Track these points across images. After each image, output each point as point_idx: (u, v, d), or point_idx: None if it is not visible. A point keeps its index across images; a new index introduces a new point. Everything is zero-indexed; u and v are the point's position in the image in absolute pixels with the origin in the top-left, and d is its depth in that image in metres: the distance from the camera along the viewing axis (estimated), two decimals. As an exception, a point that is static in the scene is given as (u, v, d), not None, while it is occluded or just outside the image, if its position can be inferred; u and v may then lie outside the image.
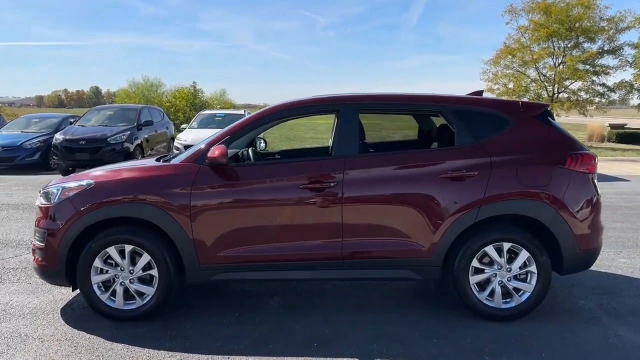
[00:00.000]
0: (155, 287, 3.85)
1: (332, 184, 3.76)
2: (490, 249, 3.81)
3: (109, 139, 12.39)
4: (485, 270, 3.85)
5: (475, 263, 3.82)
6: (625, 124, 30.54)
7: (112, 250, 3.82)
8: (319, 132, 27.86)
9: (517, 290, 3.85)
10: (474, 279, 3.84)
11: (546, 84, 25.39)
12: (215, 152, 3.73)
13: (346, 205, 3.76)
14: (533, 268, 3.82)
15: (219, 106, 32.17)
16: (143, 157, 12.81)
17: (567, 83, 25.02)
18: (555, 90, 25.11)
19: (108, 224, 3.86)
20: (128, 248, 3.82)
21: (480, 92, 4.63)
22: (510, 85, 26.04)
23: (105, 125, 13.35)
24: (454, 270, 3.82)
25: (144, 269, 3.85)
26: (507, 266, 3.82)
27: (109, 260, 3.87)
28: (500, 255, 3.82)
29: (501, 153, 3.82)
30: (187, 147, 10.82)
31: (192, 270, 3.85)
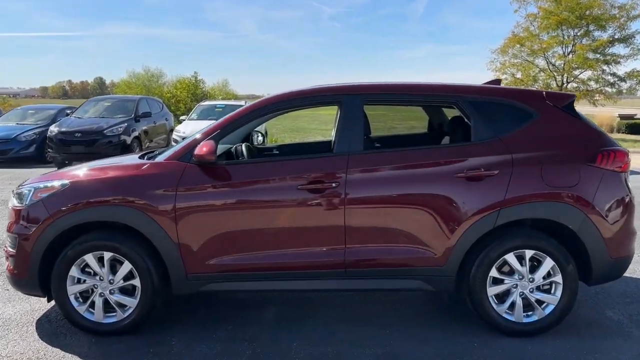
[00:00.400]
0: (138, 298, 3.47)
1: (333, 185, 3.35)
2: (511, 257, 3.41)
3: (105, 131, 12.01)
4: (505, 281, 3.44)
5: (494, 272, 3.42)
6: (635, 115, 29.91)
7: (89, 258, 3.44)
8: (323, 122, 27.39)
9: (540, 302, 3.45)
10: (492, 290, 3.43)
11: (555, 74, 24.81)
12: (202, 149, 3.33)
13: (349, 208, 3.36)
14: (558, 278, 3.42)
15: (220, 97, 31.72)
16: (140, 149, 12.44)
17: (576, 72, 24.45)
18: (565, 79, 24.53)
19: (86, 228, 3.48)
20: (107, 255, 3.44)
21: (497, 82, 4.21)
22: (519, 75, 25.51)
23: (102, 117, 12.96)
24: (469, 280, 3.43)
25: (125, 278, 3.47)
26: (530, 276, 3.42)
27: (86, 269, 3.49)
28: (522, 264, 3.42)
29: (524, 149, 3.41)
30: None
31: (178, 280, 3.47)
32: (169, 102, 27.25)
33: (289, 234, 3.42)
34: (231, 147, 4.28)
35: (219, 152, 3.83)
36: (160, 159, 3.60)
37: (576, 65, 23.75)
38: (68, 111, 14.31)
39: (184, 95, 30.54)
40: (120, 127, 12.31)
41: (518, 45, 25.12)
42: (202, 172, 3.42)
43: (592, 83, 24.35)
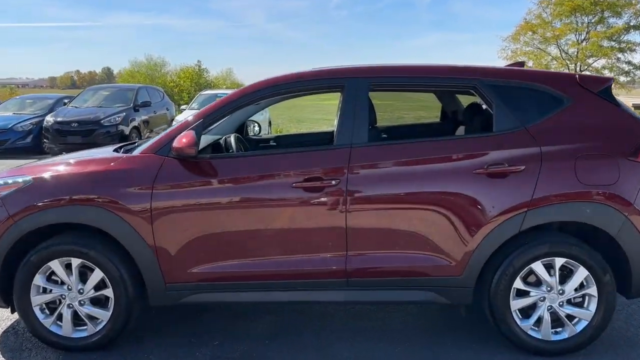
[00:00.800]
0: (111, 310, 3.05)
1: (333, 182, 2.90)
2: (538, 266, 2.95)
3: (102, 121, 11.61)
4: (531, 293, 2.99)
5: (518, 284, 2.96)
6: (650, 104, 29.12)
7: (55, 265, 3.02)
8: (328, 112, 26.79)
9: (570, 317, 3.00)
10: (516, 304, 2.98)
11: (568, 62, 24.16)
12: (181, 140, 2.89)
13: (352, 209, 2.91)
14: (592, 290, 2.96)
15: (225, 86, 31.23)
16: (140, 139, 12.04)
17: (590, 61, 23.77)
18: (578, 68, 23.84)
19: (54, 230, 3.07)
20: (75, 262, 3.02)
21: (521, 64, 3.74)
22: (530, 64, 24.81)
23: (100, 107, 12.55)
24: (490, 292, 2.97)
25: (97, 287, 3.06)
26: (559, 287, 2.96)
27: (53, 277, 3.08)
28: (551, 274, 2.96)
29: (554, 141, 2.93)
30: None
31: (156, 290, 3.04)
32: (172, 92, 26.82)
33: (282, 239, 2.98)
34: (220, 139, 3.83)
35: (204, 143, 3.41)
36: (136, 152, 3.16)
37: (590, 53, 23.10)
38: (66, 100, 13.90)
39: (188, 84, 30.07)
40: (118, 117, 11.91)
41: (530, 33, 24.48)
42: (183, 167, 2.98)
43: (606, 72, 23.64)
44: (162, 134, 3.18)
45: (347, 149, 2.96)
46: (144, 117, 12.82)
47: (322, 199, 2.92)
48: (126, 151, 3.35)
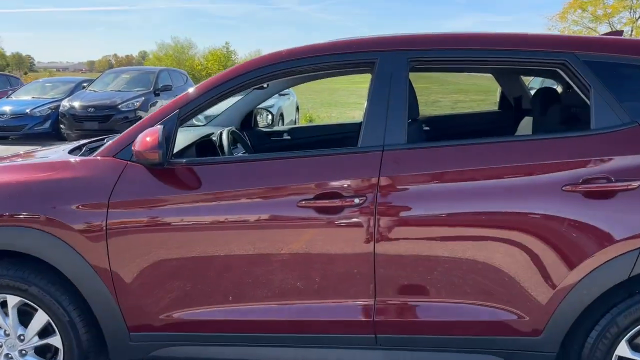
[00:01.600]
0: (60, 364, 2.30)
1: (356, 200, 2.04)
2: (654, 326, 2.03)
3: (119, 106, 10.98)
4: (642, 363, 2.07)
5: (623, 350, 2.05)
6: None
7: (-14, 303, 2.29)
8: (362, 96, 25.56)
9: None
10: (619, 379, 2.08)
11: (621, 42, 22.30)
12: (145, 140, 2.06)
13: (383, 238, 2.05)
14: None
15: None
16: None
17: (646, 40, 21.88)
18: (632, 48, 22.01)
19: None
20: (12, 300, 2.27)
21: (619, 32, 2.75)
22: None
23: (119, 91, 11.94)
24: (581, 360, 2.08)
25: (42, 334, 2.30)
26: (679, 356, 2.04)
27: (-14, 318, 2.34)
28: (671, 337, 2.04)
29: (686, 145, 1.99)
30: (206, 117, 9.22)
31: (116, 340, 2.27)
32: (200, 75, 26.23)
33: (283, 278, 2.15)
34: (212, 134, 3.00)
35: (187, 141, 2.60)
36: (95, 154, 2.35)
37: (646, 32, 21.26)
38: (85, 84, 13.37)
39: (215, 67, 29.38)
40: (137, 102, 11.26)
41: (579, 11, 22.68)
42: (151, 175, 2.17)
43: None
44: (125, 132, 2.35)
45: (377, 152, 2.09)
46: (164, 102, 12.14)
47: (341, 224, 2.07)
48: (90, 151, 2.57)
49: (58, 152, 2.65)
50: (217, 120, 3.57)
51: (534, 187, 2.03)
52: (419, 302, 2.11)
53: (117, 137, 2.37)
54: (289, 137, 3.72)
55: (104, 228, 2.14)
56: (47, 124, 12.25)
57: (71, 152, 2.56)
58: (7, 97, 13.27)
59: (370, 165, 2.07)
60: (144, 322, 2.24)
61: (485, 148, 2.12)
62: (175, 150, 2.38)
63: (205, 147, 2.84)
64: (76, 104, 11.09)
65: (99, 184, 2.17)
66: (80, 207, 2.15)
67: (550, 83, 4.55)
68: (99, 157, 2.26)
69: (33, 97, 13.12)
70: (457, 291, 2.09)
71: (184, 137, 2.72)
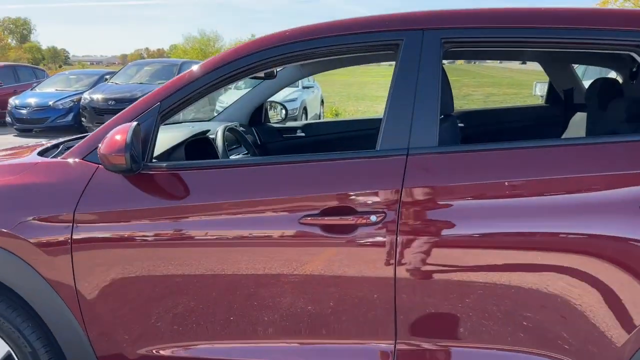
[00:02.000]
0: (23, 402, 1.96)
1: (373, 217, 1.61)
2: None
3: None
4: None
5: None
6: None
7: (-60, 329, 1.96)
8: (390, 90, 24.83)
9: None
10: None
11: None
12: (113, 139, 1.68)
13: (407, 265, 1.62)
14: None
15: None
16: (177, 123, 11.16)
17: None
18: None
19: None
20: (-33, 327, 1.94)
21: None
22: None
23: (140, 83, 11.76)
24: None
25: (2, 366, 1.97)
26: None
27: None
28: None
29: None
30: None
31: (84, 376, 1.91)
32: (226, 68, 25.97)
33: (285, 311, 1.74)
34: (208, 132, 2.61)
35: (174, 141, 2.22)
36: (63, 156, 1.99)
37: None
38: (107, 76, 13.24)
39: (241, 59, 29.12)
40: (158, 95, 11.05)
41: (620, 0, 21.50)
42: (126, 182, 1.80)
43: None
44: (96, 131, 1.98)
45: (400, 157, 1.65)
46: (186, 95, 11.92)
47: (353, 246, 1.65)
48: (68, 149, 2.20)
49: (22, 154, 2.29)
50: (222, 115, 3.20)
51: (604, 204, 1.57)
52: (453, 346, 1.68)
53: (89, 135, 2.00)
54: (302, 134, 3.31)
55: (69, 244, 1.78)
56: (69, 117, 12.18)
57: (43, 152, 2.21)
58: (31, 90, 13.25)
59: (391, 174, 1.64)
60: (117, 356, 1.88)
61: (532, 153, 1.66)
62: (160, 152, 2.01)
63: (202, 147, 2.45)
64: (97, 97, 10.96)
65: (64, 192, 1.81)
66: (40, 219, 1.79)
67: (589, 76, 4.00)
68: (67, 160, 1.90)
69: (57, 90, 13.07)
70: (502, 335, 1.65)
71: (177, 136, 2.36)
